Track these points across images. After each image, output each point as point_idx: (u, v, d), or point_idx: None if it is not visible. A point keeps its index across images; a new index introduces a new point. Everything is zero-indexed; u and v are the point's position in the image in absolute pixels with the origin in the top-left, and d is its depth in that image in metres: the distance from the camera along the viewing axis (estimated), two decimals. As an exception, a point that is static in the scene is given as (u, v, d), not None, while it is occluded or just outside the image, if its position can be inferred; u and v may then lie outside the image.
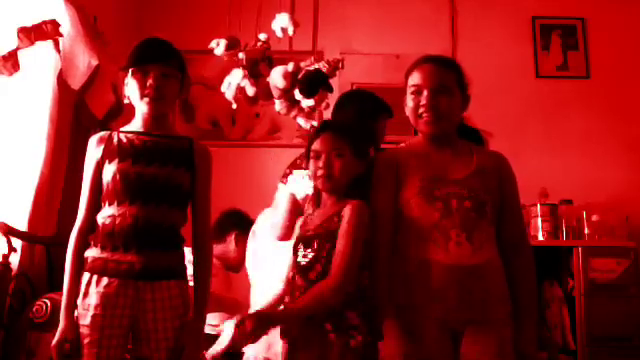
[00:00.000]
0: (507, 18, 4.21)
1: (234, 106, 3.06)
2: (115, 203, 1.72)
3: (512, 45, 4.17)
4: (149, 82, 1.73)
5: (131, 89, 1.77)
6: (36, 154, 2.76)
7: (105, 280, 1.68)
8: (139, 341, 1.71)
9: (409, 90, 1.79)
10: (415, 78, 1.78)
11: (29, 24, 2.67)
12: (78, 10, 3.07)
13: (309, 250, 1.68)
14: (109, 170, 1.74)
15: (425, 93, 1.73)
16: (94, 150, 1.80)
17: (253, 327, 1.52)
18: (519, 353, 1.66)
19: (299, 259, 1.70)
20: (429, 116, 1.73)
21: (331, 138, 1.73)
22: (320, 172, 1.70)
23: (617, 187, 3.82)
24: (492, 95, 3.67)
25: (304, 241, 1.72)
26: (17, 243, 2.57)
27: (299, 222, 1.84)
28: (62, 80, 2.91)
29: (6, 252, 2.51)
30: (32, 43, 2.66)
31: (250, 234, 2.80)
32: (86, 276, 1.71)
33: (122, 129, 1.84)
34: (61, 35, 2.83)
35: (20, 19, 2.66)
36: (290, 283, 1.74)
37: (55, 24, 2.79)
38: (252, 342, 1.60)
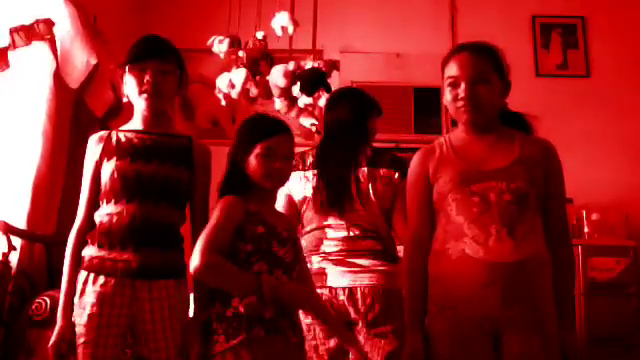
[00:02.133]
0: (507, 17, 4.20)
1: (223, 103, 3.05)
2: (113, 201, 1.71)
3: (512, 44, 4.10)
4: (146, 78, 1.72)
5: (129, 86, 1.76)
6: (34, 153, 2.77)
7: (102, 279, 1.66)
8: (138, 341, 1.69)
9: (446, 82, 1.73)
10: (452, 69, 1.71)
11: (27, 22, 2.68)
12: (78, 9, 3.07)
13: (286, 249, 1.67)
14: (107, 168, 1.73)
15: (463, 85, 1.68)
16: (93, 148, 1.79)
17: None
18: (564, 355, 1.60)
19: (280, 255, 1.65)
20: (468, 107, 1.68)
21: (290, 141, 1.71)
22: (276, 173, 1.65)
23: (617, 186, 3.82)
24: (492, 94, 3.67)
25: (278, 237, 1.67)
26: (17, 241, 2.58)
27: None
28: (59, 79, 2.91)
29: (6, 250, 2.52)
30: (28, 42, 2.66)
31: None
32: (83, 274, 1.69)
33: (121, 128, 1.83)
34: (53, 35, 2.82)
35: (20, 17, 2.67)
36: None
37: (48, 23, 2.79)
38: None
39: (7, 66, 2.57)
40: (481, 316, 1.58)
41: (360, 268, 1.99)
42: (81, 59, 3.09)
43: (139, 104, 1.77)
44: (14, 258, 2.58)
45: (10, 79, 2.66)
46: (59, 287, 2.27)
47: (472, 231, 1.60)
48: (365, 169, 2.08)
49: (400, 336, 1.86)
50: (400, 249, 2.15)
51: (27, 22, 2.68)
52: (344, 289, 1.97)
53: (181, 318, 1.73)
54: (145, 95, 1.74)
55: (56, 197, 2.86)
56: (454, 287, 1.62)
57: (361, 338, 1.94)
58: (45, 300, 2.42)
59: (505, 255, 1.57)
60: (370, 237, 2.03)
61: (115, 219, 1.69)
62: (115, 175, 1.71)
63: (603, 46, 4.17)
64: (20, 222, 2.64)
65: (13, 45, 2.59)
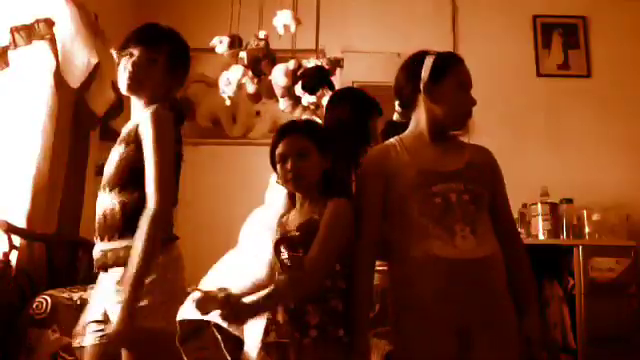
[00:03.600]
0: (508, 17, 4.20)
1: (228, 102, 3.06)
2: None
3: (513, 44, 4.17)
4: (126, 64, 1.69)
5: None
6: (35, 152, 2.77)
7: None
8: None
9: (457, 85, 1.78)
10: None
11: (28, 22, 2.68)
12: (79, 8, 3.07)
13: (295, 252, 1.65)
14: None
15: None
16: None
17: (227, 314, 1.54)
18: (526, 339, 1.67)
19: (285, 260, 1.66)
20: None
21: (295, 139, 1.71)
22: (289, 176, 1.68)
23: (618, 186, 3.82)
24: (493, 94, 3.66)
25: (286, 242, 1.69)
26: (16, 240, 2.58)
27: (277, 222, 1.81)
28: (60, 78, 2.92)
29: (7, 250, 2.52)
30: (29, 42, 2.66)
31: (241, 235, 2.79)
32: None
33: None
34: (54, 34, 2.82)
35: (20, 16, 2.67)
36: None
37: (49, 23, 2.79)
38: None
39: (7, 65, 2.57)
40: (449, 313, 1.61)
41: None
42: (82, 58, 3.09)
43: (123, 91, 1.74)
44: (14, 257, 2.58)
45: (11, 78, 2.66)
46: (59, 286, 2.28)
47: (437, 231, 1.63)
48: None
49: None
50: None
51: (28, 21, 2.68)
52: None
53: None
54: (122, 79, 1.70)
55: (57, 196, 2.86)
56: (421, 287, 1.63)
57: None
58: (46, 299, 2.42)
59: (470, 252, 1.61)
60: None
61: None
62: None
63: (604, 46, 4.17)
64: (20, 221, 2.64)
65: (14, 44, 2.58)
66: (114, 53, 1.71)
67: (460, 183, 1.67)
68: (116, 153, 1.66)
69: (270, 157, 1.76)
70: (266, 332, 1.67)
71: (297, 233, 1.67)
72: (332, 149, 1.73)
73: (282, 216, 1.80)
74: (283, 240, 1.70)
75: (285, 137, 1.73)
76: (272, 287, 1.59)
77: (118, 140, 1.68)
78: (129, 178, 1.61)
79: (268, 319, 1.67)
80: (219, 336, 2.30)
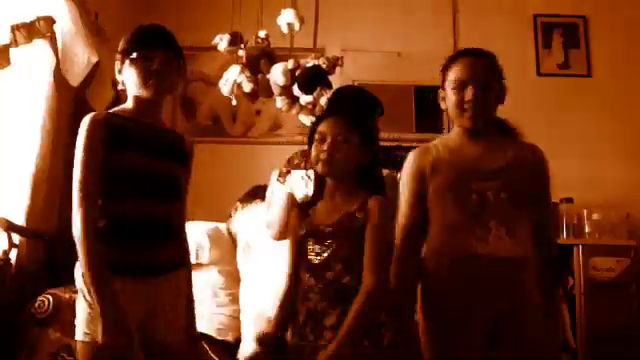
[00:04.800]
0: (508, 16, 4.20)
1: (234, 102, 3.06)
2: (128, 198, 1.64)
3: (513, 43, 4.16)
4: (154, 67, 1.68)
5: (130, 74, 1.70)
6: (34, 149, 2.76)
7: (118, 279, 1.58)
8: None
9: (450, 85, 1.76)
10: (457, 73, 1.75)
11: (28, 20, 2.67)
12: (79, 6, 3.07)
13: (323, 247, 1.59)
14: (116, 160, 1.62)
15: (470, 89, 1.72)
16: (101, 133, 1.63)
17: None
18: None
19: (310, 257, 1.61)
20: (474, 111, 1.72)
21: (340, 122, 1.66)
22: (323, 155, 1.63)
23: (618, 186, 3.82)
24: (493, 93, 3.66)
25: (316, 236, 1.62)
26: (16, 238, 2.57)
27: (295, 214, 1.78)
28: (60, 76, 2.91)
29: (6, 248, 2.51)
30: (30, 40, 2.66)
31: (239, 228, 2.80)
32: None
33: (115, 114, 1.74)
34: (54, 32, 2.82)
35: (21, 14, 2.66)
36: (294, 281, 1.68)
37: (49, 21, 2.78)
38: None
39: (8, 63, 2.57)
40: (480, 310, 1.62)
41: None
42: (82, 57, 3.08)
43: (141, 93, 1.71)
44: (13, 255, 2.57)
45: (11, 76, 2.66)
46: (59, 285, 2.27)
47: (471, 227, 1.64)
48: None
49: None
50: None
51: (28, 19, 2.68)
52: None
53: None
54: (152, 82, 1.68)
55: (56, 194, 2.85)
56: (454, 282, 1.66)
57: None
58: (47, 298, 2.41)
59: (504, 250, 1.63)
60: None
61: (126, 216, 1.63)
62: (125, 168, 1.63)
63: (604, 46, 4.17)
64: (19, 219, 2.64)
65: (14, 42, 2.58)
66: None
67: (499, 181, 1.67)
68: None
69: (310, 132, 1.72)
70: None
71: (330, 228, 1.61)
72: (375, 143, 1.71)
73: (306, 206, 1.73)
74: (312, 233, 1.64)
75: (331, 116, 1.69)
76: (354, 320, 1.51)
77: None
78: None
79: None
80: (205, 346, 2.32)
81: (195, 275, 1.90)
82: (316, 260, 1.60)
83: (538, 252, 1.71)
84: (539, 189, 1.77)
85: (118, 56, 1.77)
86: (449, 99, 1.76)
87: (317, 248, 1.61)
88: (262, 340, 1.64)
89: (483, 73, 1.73)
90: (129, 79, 1.73)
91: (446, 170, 1.72)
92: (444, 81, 1.80)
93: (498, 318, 1.63)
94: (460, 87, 1.73)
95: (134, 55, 1.69)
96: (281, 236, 2.18)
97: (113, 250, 1.56)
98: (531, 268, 1.68)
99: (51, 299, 2.41)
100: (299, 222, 1.71)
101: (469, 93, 1.71)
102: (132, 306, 1.57)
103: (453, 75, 1.76)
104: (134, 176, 1.63)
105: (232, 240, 3.10)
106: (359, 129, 1.67)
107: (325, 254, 1.59)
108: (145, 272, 1.63)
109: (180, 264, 1.76)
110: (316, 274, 1.60)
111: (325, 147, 1.63)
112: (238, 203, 3.19)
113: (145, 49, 1.69)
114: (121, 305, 1.50)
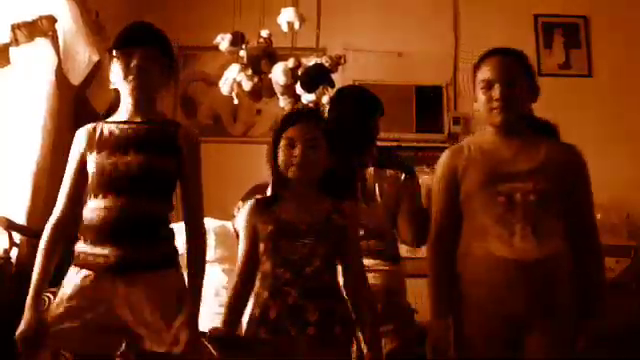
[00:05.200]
0: (509, 16, 4.19)
1: (235, 101, 3.07)
2: (94, 196, 1.71)
3: (514, 43, 4.05)
4: (133, 63, 1.69)
5: (115, 72, 1.74)
6: (35, 149, 2.77)
7: (84, 272, 1.68)
8: (136, 338, 1.67)
9: (479, 85, 1.77)
10: (485, 73, 1.77)
11: (29, 18, 2.67)
12: (80, 5, 3.07)
13: (299, 243, 1.61)
14: (90, 162, 1.73)
15: (497, 87, 1.72)
16: (79, 141, 1.77)
17: None
18: (584, 337, 1.67)
19: (284, 253, 1.62)
20: (502, 108, 1.72)
21: (309, 127, 1.68)
22: (295, 160, 1.64)
23: (618, 186, 3.81)
24: (494, 93, 3.66)
25: (289, 233, 1.64)
26: (17, 237, 2.58)
27: (253, 209, 1.74)
28: (61, 75, 2.91)
29: (7, 246, 2.52)
30: (31, 39, 2.66)
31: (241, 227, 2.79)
32: (73, 270, 1.72)
33: (108, 119, 1.81)
34: (56, 31, 2.82)
35: (22, 13, 2.66)
36: (247, 277, 1.70)
37: (51, 20, 2.78)
38: None
39: (8, 62, 2.57)
40: (505, 314, 1.62)
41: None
42: (83, 56, 3.09)
43: (124, 89, 1.75)
44: (14, 254, 2.58)
45: (12, 75, 2.66)
46: (59, 283, 2.27)
47: (497, 230, 1.65)
48: (372, 169, 2.08)
49: (401, 335, 1.87)
50: (401, 248, 2.16)
51: (29, 18, 2.68)
52: None
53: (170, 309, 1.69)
54: (131, 78, 1.71)
55: (57, 193, 2.85)
56: (479, 285, 1.66)
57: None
58: (49, 297, 2.41)
59: (529, 253, 1.62)
60: (373, 237, 2.03)
61: (97, 214, 1.69)
62: (94, 169, 1.70)
63: (605, 46, 4.17)
64: (20, 218, 2.64)
65: (15, 41, 2.58)
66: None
67: (529, 183, 1.67)
68: None
69: (273, 140, 1.71)
70: (252, 326, 1.63)
71: (305, 226, 1.64)
72: (337, 148, 1.72)
73: (266, 203, 1.73)
74: (283, 230, 1.65)
75: (298, 123, 1.70)
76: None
77: None
78: None
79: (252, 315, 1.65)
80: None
81: None
82: (294, 256, 1.61)
83: (579, 252, 1.69)
84: (575, 188, 1.75)
85: (107, 55, 1.80)
86: (479, 100, 1.77)
87: (292, 244, 1.62)
88: (214, 336, 1.63)
89: (509, 71, 1.74)
90: (115, 77, 1.76)
91: (476, 171, 1.73)
92: (475, 84, 1.79)
93: (524, 325, 1.62)
94: (488, 86, 1.74)
95: (114, 52, 1.73)
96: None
97: (85, 246, 1.70)
98: (562, 268, 1.65)
99: (52, 298, 2.41)
100: (261, 217, 1.70)
101: (496, 92, 1.71)
102: (101, 303, 1.65)
103: (481, 75, 1.77)
104: (99, 175, 1.70)
105: (238, 239, 3.09)
106: (325, 135, 1.70)
107: (304, 249, 1.61)
108: (110, 269, 1.66)
109: (158, 265, 1.71)
110: (293, 269, 1.60)
111: (297, 152, 1.65)
112: (240, 202, 3.19)
113: (125, 45, 1.72)
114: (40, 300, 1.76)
